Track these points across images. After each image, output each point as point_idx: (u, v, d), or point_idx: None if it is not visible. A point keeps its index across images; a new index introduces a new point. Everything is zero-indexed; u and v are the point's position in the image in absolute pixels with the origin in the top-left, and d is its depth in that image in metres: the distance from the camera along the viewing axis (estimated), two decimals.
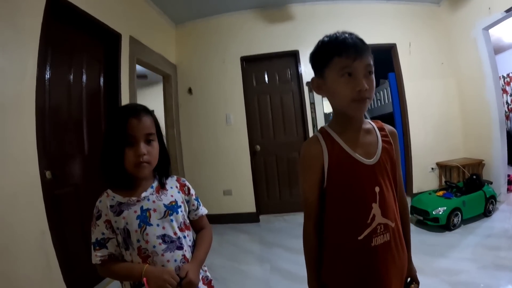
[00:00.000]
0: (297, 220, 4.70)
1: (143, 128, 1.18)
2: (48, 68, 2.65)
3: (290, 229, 4.39)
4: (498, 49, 6.03)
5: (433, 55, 5.03)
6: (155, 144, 1.24)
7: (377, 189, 1.08)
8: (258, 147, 5.06)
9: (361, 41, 1.08)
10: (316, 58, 1.15)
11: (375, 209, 1.07)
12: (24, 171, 2.22)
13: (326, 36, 1.13)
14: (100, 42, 3.41)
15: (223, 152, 5.04)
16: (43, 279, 2.24)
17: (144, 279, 1.10)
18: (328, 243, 1.15)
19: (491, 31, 4.43)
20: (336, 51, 1.05)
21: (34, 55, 2.35)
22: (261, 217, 4.95)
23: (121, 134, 1.15)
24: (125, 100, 3.53)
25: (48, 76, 2.65)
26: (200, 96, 5.15)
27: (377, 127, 1.20)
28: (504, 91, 7.24)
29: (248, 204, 4.96)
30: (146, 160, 1.18)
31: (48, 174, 2.46)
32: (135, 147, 1.16)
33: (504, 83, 7.29)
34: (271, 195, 5.10)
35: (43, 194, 2.33)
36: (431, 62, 5.01)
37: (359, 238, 1.06)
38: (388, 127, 1.23)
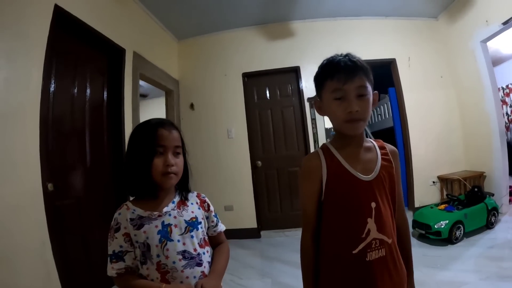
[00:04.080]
0: (298, 235, 4.57)
1: (172, 140, 1.21)
2: (52, 79, 2.69)
3: (291, 243, 4.37)
4: (496, 61, 6.08)
5: (432, 68, 5.07)
6: (181, 157, 1.26)
7: (373, 204, 1.10)
8: (259, 163, 5.07)
9: (354, 62, 1.11)
10: (315, 81, 1.21)
11: (370, 224, 1.09)
12: (26, 182, 2.24)
13: (325, 59, 1.18)
14: (104, 56, 3.47)
15: (225, 166, 5.05)
16: None
17: None
18: (324, 255, 1.17)
19: (489, 43, 4.47)
20: (328, 75, 1.12)
21: (39, 65, 2.40)
22: (262, 232, 4.93)
23: (151, 143, 1.17)
24: (127, 113, 3.57)
25: (53, 87, 2.69)
26: (201, 110, 5.20)
27: (378, 146, 1.23)
28: (504, 102, 7.27)
29: (249, 220, 4.94)
30: (174, 171, 1.20)
31: (50, 186, 2.48)
32: (164, 157, 1.18)
33: (504, 94, 7.32)
34: (272, 209, 5.08)
35: (45, 205, 2.35)
36: (430, 75, 5.04)
37: (354, 252, 1.08)
38: (389, 146, 1.27)
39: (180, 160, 1.24)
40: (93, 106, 3.25)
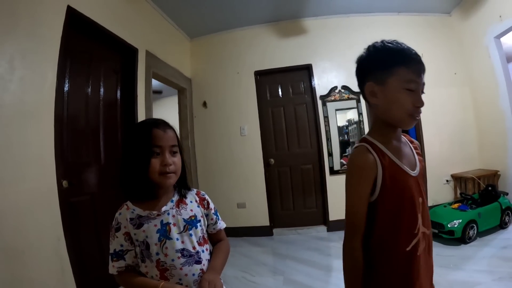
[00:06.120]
0: (310, 233, 4.73)
1: (168, 139, 1.21)
2: (66, 78, 2.74)
3: (304, 241, 4.41)
4: (511, 57, 5.96)
5: (446, 65, 4.99)
6: (179, 156, 1.26)
7: (420, 200, 1.09)
8: (272, 160, 5.08)
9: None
10: (376, 63, 1.11)
11: (420, 219, 1.08)
12: (41, 179, 2.29)
13: (388, 42, 1.10)
14: (118, 55, 3.50)
15: (237, 164, 5.08)
16: (56, 284, 2.29)
17: None
18: (375, 257, 1.11)
19: (503, 39, 4.40)
20: (405, 62, 1.05)
21: (53, 65, 2.44)
22: (275, 230, 4.94)
23: (147, 144, 1.17)
24: (141, 111, 3.61)
25: (67, 86, 2.75)
26: (214, 108, 5.23)
27: (408, 140, 1.22)
28: None
29: (261, 218, 4.96)
30: (172, 170, 1.20)
31: (65, 183, 2.54)
32: (161, 157, 1.19)
33: None
34: (285, 207, 5.09)
35: (60, 201, 2.40)
36: (444, 72, 4.96)
37: (407, 249, 1.05)
38: (414, 140, 1.25)
39: (177, 159, 1.24)
40: (107, 105, 3.29)
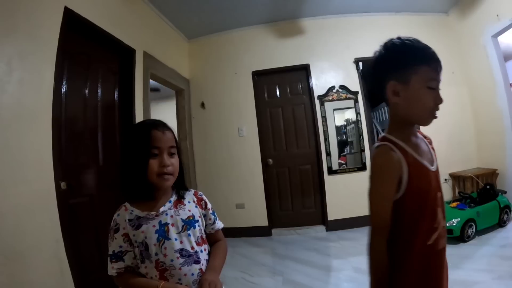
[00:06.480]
0: (309, 233, 4.73)
1: (166, 140, 1.22)
2: (64, 80, 2.72)
3: (303, 242, 4.41)
4: (508, 56, 5.96)
5: (444, 64, 4.88)
6: (176, 157, 1.26)
7: (439, 194, 1.10)
8: (270, 160, 5.07)
9: None
10: (398, 62, 1.09)
11: (439, 213, 1.09)
12: (39, 181, 2.27)
13: (406, 39, 1.10)
14: (116, 56, 3.49)
15: (236, 165, 5.07)
16: (56, 286, 2.28)
17: None
18: (399, 255, 1.10)
19: (500, 38, 4.41)
20: (427, 60, 1.06)
21: (51, 66, 2.43)
22: (274, 230, 4.94)
23: (145, 145, 1.18)
24: (139, 113, 3.60)
25: (65, 88, 2.72)
26: (212, 109, 5.23)
27: (422, 136, 1.22)
28: None
29: (260, 218, 4.95)
30: (170, 172, 1.20)
31: (63, 185, 2.52)
32: (159, 158, 1.19)
33: None
34: (284, 207, 5.09)
35: (58, 203, 2.38)
36: (442, 71, 4.95)
37: (429, 243, 1.06)
38: (427, 135, 1.26)
39: (175, 160, 1.25)
40: (105, 106, 3.28)
